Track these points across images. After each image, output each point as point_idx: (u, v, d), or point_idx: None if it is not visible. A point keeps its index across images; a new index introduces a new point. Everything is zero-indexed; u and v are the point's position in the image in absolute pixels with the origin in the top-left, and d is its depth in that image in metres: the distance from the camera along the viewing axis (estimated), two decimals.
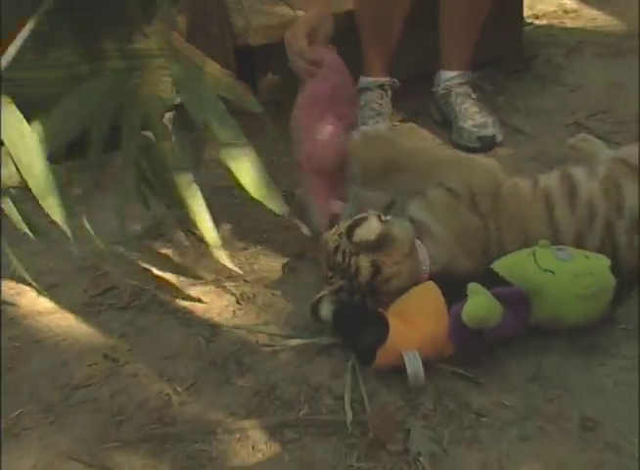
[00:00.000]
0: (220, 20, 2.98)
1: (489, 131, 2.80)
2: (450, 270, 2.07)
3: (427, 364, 1.91)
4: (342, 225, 2.11)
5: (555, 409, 1.85)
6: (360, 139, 2.34)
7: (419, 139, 2.90)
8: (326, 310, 2.03)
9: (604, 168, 2.18)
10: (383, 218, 2.08)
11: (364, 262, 2.03)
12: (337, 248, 2.08)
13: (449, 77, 2.91)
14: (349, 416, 1.84)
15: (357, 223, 2.05)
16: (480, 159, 2.33)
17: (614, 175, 2.14)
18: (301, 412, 1.88)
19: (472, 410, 1.86)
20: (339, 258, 2.07)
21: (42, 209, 1.89)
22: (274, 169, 2.72)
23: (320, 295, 2.05)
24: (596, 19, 3.69)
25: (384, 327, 1.90)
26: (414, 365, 1.87)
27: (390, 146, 2.28)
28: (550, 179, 2.18)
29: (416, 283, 2.04)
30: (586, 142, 2.57)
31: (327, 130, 2.37)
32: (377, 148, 2.29)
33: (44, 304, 2.30)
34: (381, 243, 2.03)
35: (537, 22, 3.70)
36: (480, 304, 1.87)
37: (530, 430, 1.81)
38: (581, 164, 2.26)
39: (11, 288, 2.35)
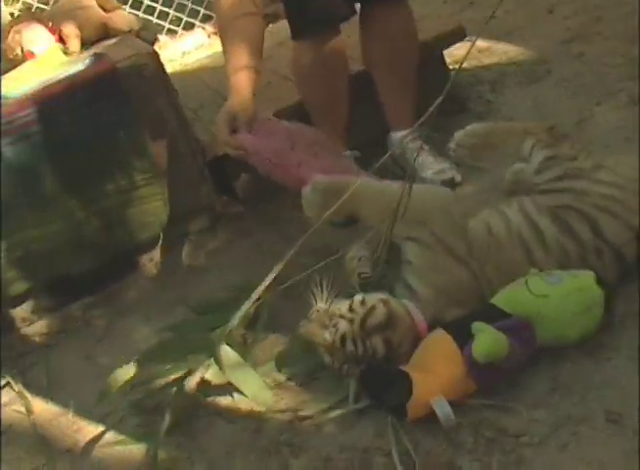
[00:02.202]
0: (187, 138, 2.96)
1: (448, 175, 2.78)
2: (443, 320, 2.02)
3: (456, 404, 1.87)
4: (325, 314, 2.06)
5: (581, 412, 1.82)
6: (314, 194, 2.22)
7: None
8: (442, 406, 1.90)
9: (547, 208, 2.14)
10: (383, 298, 2.04)
11: (378, 343, 1.99)
12: (342, 338, 2.00)
13: (400, 137, 2.90)
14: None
15: (366, 314, 2.00)
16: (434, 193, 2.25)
17: (560, 216, 2.11)
18: None
19: (509, 434, 1.81)
20: (350, 347, 2.00)
21: None
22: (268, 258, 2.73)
23: (352, 389, 2.01)
24: (507, 52, 3.70)
25: (408, 383, 1.87)
26: (443, 409, 1.84)
27: (343, 193, 2.15)
28: (514, 217, 2.13)
29: (418, 337, 2.01)
30: (521, 173, 2.53)
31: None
32: (329, 200, 2.17)
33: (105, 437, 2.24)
34: (389, 321, 2.00)
35: (458, 65, 3.69)
36: (486, 340, 1.85)
37: (565, 437, 1.77)
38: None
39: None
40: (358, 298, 2.05)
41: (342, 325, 2.01)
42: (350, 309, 2.03)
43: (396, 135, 2.92)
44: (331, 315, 2.05)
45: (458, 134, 2.42)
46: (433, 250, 2.09)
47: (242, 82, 2.52)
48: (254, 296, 2.20)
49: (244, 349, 2.26)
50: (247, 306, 2.24)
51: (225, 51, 2.63)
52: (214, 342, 2.24)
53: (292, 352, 2.24)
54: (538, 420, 1.83)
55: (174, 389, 2.18)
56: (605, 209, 2.09)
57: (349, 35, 2.97)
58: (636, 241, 2.08)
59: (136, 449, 2.15)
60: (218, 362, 2.16)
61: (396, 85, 2.89)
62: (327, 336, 2.02)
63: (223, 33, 2.68)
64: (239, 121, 2.49)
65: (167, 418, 2.09)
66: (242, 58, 2.55)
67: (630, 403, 1.79)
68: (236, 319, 2.23)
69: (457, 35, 3.25)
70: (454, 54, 3.70)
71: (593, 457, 1.71)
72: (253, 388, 2.15)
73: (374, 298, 2.05)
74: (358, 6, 2.86)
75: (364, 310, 2.01)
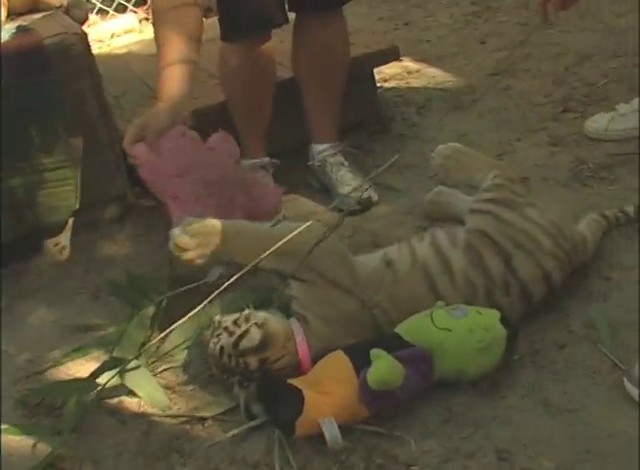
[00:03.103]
0: (106, 125, 2.89)
1: (366, 193, 2.78)
2: (333, 349, 2.00)
3: (348, 428, 1.87)
4: (217, 324, 2.05)
5: (472, 447, 1.84)
6: (181, 237, 2.08)
7: (303, 209, 2.87)
8: (257, 408, 1.95)
9: (463, 236, 2.16)
10: (258, 322, 2.01)
11: (252, 362, 1.98)
12: (221, 350, 2.00)
13: (321, 150, 2.91)
14: None
15: (239, 337, 1.98)
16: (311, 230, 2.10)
17: (475, 246, 2.13)
18: None
19: (400, 462, 1.82)
20: (225, 360, 2.00)
21: None
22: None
23: (243, 400, 1.97)
24: (435, 76, 3.74)
25: (299, 400, 1.86)
26: (331, 431, 1.83)
27: (213, 236, 2.08)
28: (423, 250, 2.14)
29: (296, 357, 2.01)
30: (442, 195, 2.57)
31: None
32: (199, 243, 2.07)
33: None
34: (263, 344, 1.98)
35: (386, 84, 3.73)
36: (382, 367, 1.85)
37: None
38: (443, 226, 2.29)
39: None
40: (245, 313, 2.03)
41: (223, 338, 2.01)
42: (235, 323, 2.02)
43: (317, 147, 2.92)
44: (219, 325, 2.04)
45: (440, 147, 2.42)
46: (314, 285, 2.07)
47: (172, 80, 2.40)
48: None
49: (140, 349, 2.22)
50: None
51: (158, 41, 2.49)
52: (113, 340, 2.21)
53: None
54: (429, 450, 1.84)
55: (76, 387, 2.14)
56: (520, 243, 2.12)
57: (282, 41, 2.96)
58: (544, 281, 2.11)
59: (19, 440, 2.08)
60: (114, 361, 2.11)
61: (323, 98, 2.88)
62: (211, 345, 2.02)
63: (158, 22, 2.52)
64: (147, 131, 2.35)
65: (68, 416, 2.04)
66: (176, 50, 2.42)
67: (520, 442, 1.82)
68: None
69: (389, 55, 3.27)
70: (384, 72, 3.74)
71: None
72: (148, 389, 2.11)
73: (259, 316, 2.03)
74: (293, 15, 2.84)
75: (240, 331, 1.99)
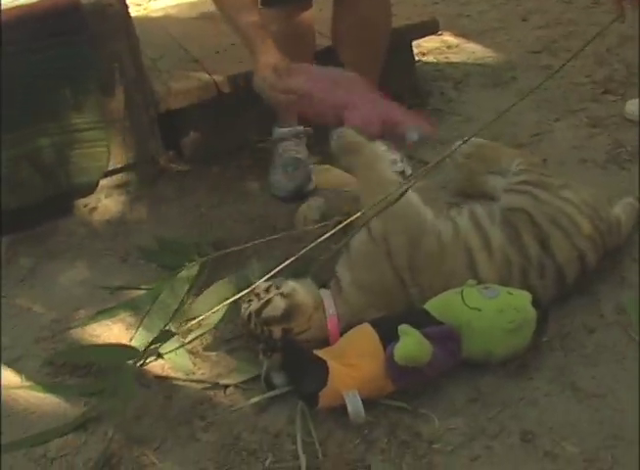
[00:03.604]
0: (142, 87, 2.88)
1: (399, 167, 2.73)
2: (361, 320, 1.99)
3: (372, 402, 1.86)
4: (249, 294, 2.04)
5: (497, 427, 1.82)
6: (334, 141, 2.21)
7: (335, 179, 2.84)
8: (277, 379, 1.94)
9: (500, 214, 2.14)
10: (284, 292, 2.00)
11: (275, 331, 1.97)
12: (249, 316, 2.00)
13: None
14: (303, 462, 1.77)
15: (263, 305, 1.99)
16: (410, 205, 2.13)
17: (513, 224, 2.10)
18: (267, 461, 1.80)
19: (423, 439, 1.80)
20: (252, 326, 2.00)
21: None
22: (204, 221, 2.69)
23: (265, 368, 1.97)
24: (475, 52, 3.69)
25: (324, 371, 1.84)
26: (354, 404, 1.82)
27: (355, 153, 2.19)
28: (464, 224, 2.12)
29: (325, 329, 2.00)
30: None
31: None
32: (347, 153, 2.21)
33: (9, 378, 2.17)
34: (287, 315, 1.97)
35: (424, 58, 3.69)
36: (410, 343, 1.83)
37: (478, 449, 1.77)
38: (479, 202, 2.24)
39: None
40: (277, 281, 2.03)
41: (253, 303, 2.01)
42: (266, 290, 2.02)
43: None
44: (255, 290, 2.03)
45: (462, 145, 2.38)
46: (375, 247, 2.06)
47: (260, 37, 2.41)
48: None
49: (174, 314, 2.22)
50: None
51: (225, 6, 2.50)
52: (140, 303, 2.21)
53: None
54: (454, 429, 1.82)
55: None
56: (558, 223, 2.09)
57: (321, 9, 2.92)
58: (578, 262, 2.08)
59: (43, 398, 2.09)
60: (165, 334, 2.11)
61: (362, 68, 2.81)
62: (242, 310, 2.03)
63: None
64: (280, 72, 2.34)
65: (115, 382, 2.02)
66: (250, 13, 2.44)
67: (545, 425, 1.80)
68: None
69: (430, 28, 3.23)
70: (422, 46, 3.70)
71: None
72: (173, 353, 2.10)
73: (288, 286, 2.02)
74: None
75: (266, 299, 1.99)
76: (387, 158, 2.26)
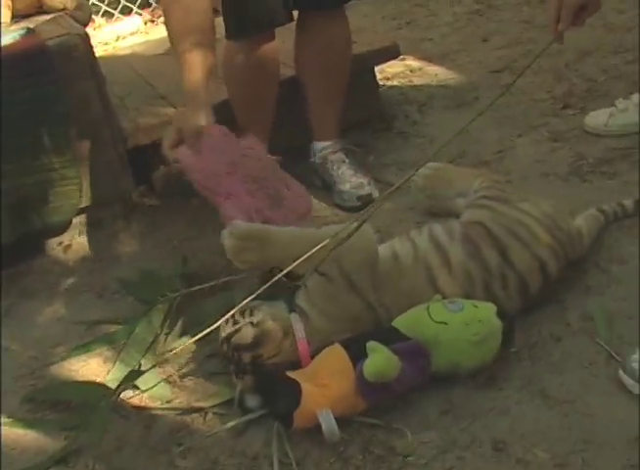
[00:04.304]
0: (110, 124, 2.92)
1: (366, 190, 2.81)
2: (331, 342, 2.00)
3: (346, 420, 1.89)
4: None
5: (469, 438, 1.85)
6: (231, 240, 2.06)
7: None
8: (251, 401, 1.98)
9: (460, 229, 2.19)
10: (254, 321, 2.02)
11: (246, 357, 2.00)
12: (222, 341, 2.04)
13: (323, 147, 2.92)
14: None
15: (234, 332, 2.01)
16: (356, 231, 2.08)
17: (472, 238, 2.15)
18: None
19: (397, 453, 1.83)
20: (225, 349, 2.04)
21: None
22: (178, 254, 2.72)
23: (238, 392, 2.00)
24: (438, 74, 3.76)
25: (296, 392, 1.88)
26: (328, 423, 1.85)
27: (261, 242, 2.06)
28: (423, 244, 2.16)
29: (296, 353, 2.02)
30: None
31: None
32: (248, 247, 2.06)
33: None
34: (256, 343, 2.00)
35: (389, 83, 3.75)
36: (378, 360, 1.87)
37: (451, 461, 1.80)
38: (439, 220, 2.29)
39: None
40: (253, 305, 2.04)
41: (227, 327, 2.03)
42: (241, 314, 2.04)
43: (319, 145, 2.93)
44: (234, 315, 2.05)
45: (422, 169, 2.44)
46: (331, 281, 2.06)
47: (194, 72, 2.36)
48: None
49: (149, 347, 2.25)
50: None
51: (172, 29, 2.47)
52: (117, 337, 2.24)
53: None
54: (427, 442, 1.85)
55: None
56: (516, 234, 2.15)
57: (284, 41, 2.97)
58: (540, 271, 2.13)
59: (23, 434, 2.11)
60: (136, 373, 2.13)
61: (325, 95, 2.90)
62: (220, 332, 2.05)
63: (169, 11, 2.49)
64: (185, 133, 2.33)
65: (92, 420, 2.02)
66: (191, 36, 2.39)
67: (516, 433, 1.83)
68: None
69: (391, 52, 3.29)
70: (386, 71, 3.76)
71: None
72: (150, 383, 2.13)
73: (259, 313, 2.03)
74: (296, 13, 2.86)
75: (238, 325, 2.01)
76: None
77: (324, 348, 2.00)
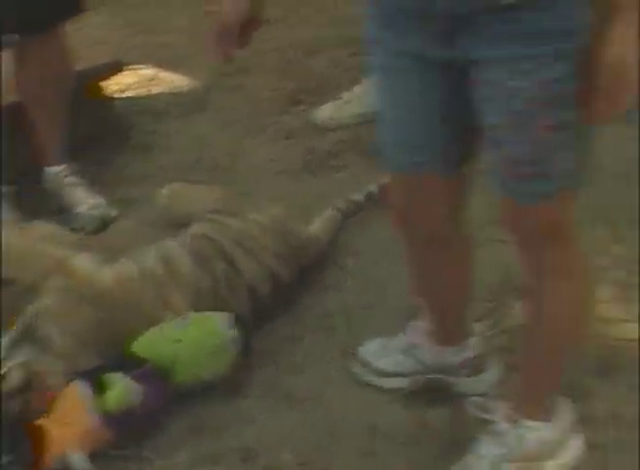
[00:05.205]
0: None
1: (104, 210, 2.76)
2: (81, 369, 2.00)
3: (101, 454, 1.87)
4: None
5: (219, 451, 1.88)
6: None
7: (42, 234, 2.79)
8: (77, 460, 1.87)
9: (188, 241, 2.22)
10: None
11: (17, 403, 1.93)
12: None
13: (55, 172, 2.84)
14: None
15: (2, 378, 1.94)
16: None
17: (198, 250, 2.19)
18: None
19: None
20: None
21: None
22: None
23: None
24: (174, 81, 3.73)
25: (42, 437, 1.84)
26: (78, 462, 1.83)
27: None
28: (149, 261, 2.17)
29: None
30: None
31: None
32: None
33: None
34: (25, 386, 1.94)
35: (124, 94, 3.68)
36: (117, 390, 1.89)
37: None
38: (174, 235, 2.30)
39: None
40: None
41: None
42: None
43: (51, 170, 2.85)
44: None
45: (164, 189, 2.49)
46: (68, 295, 2.07)
47: None
48: None
49: None
50: None
51: None
52: None
53: None
54: (178, 463, 1.87)
55: None
56: (239, 243, 2.20)
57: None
58: (269, 277, 2.19)
59: None
60: None
61: (48, 120, 2.82)
62: None
63: None
64: None
65: None
66: None
67: (264, 439, 1.87)
68: None
69: (115, 67, 3.25)
70: (122, 83, 3.69)
71: None
72: None
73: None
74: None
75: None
76: None
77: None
